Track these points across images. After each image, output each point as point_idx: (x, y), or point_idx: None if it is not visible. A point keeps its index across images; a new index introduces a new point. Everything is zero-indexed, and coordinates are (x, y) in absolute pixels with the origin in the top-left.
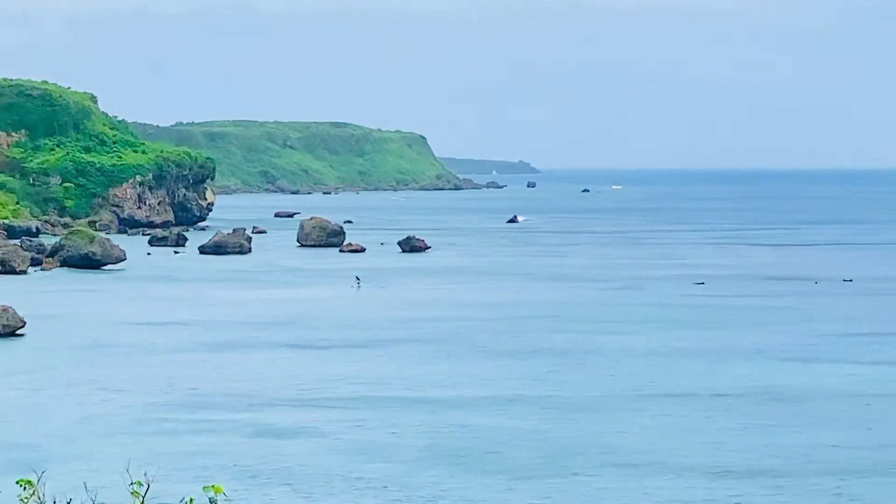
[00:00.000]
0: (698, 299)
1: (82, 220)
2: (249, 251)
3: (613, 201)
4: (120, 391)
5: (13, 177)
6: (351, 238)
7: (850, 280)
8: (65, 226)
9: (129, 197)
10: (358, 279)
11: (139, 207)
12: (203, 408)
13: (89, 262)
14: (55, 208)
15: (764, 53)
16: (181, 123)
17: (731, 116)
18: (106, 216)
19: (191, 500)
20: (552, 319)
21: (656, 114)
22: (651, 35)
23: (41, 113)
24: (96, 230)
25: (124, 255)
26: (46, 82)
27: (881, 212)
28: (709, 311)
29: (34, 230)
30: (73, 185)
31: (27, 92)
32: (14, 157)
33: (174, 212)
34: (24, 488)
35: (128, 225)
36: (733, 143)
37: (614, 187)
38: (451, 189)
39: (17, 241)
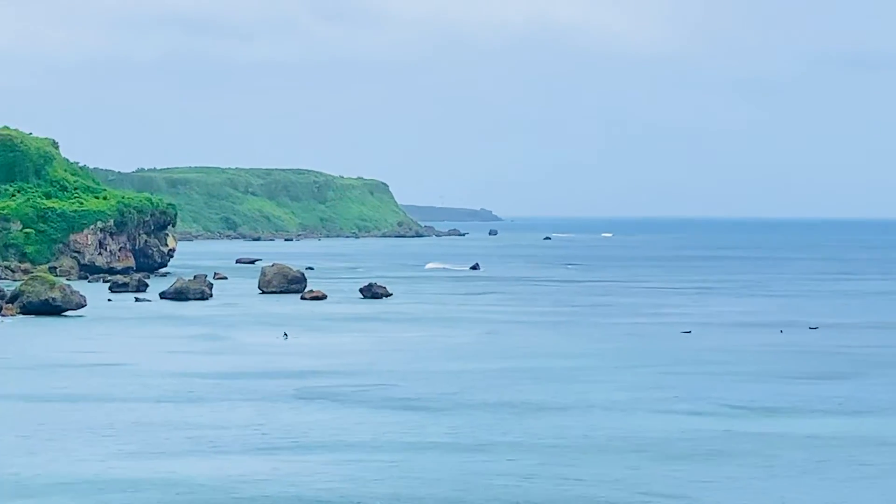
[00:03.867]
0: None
1: (43, 266)
2: (210, 297)
3: (576, 249)
4: (76, 440)
5: None
6: (312, 285)
7: (816, 328)
8: (25, 272)
9: (89, 243)
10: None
11: (100, 253)
12: (157, 457)
13: (49, 309)
14: (15, 254)
15: (720, 101)
16: (143, 169)
17: (689, 164)
18: (67, 262)
19: None
20: (520, 370)
21: (617, 160)
22: (613, 81)
23: (1, 159)
24: (57, 276)
25: (85, 301)
26: (7, 128)
27: (846, 262)
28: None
29: None
30: (33, 231)
31: None
32: None
33: (135, 258)
34: None
35: (89, 271)
36: (695, 190)
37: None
38: (412, 236)
39: None
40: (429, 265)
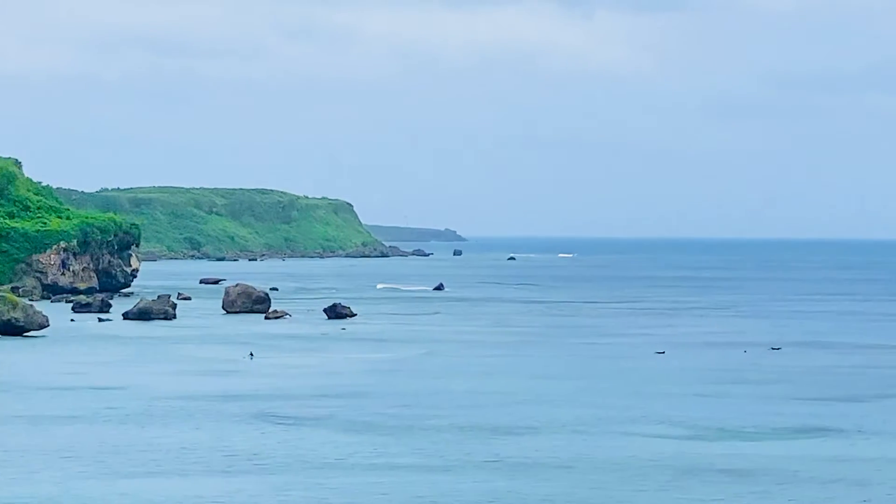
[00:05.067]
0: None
1: (5, 287)
2: (174, 317)
3: (542, 269)
4: (37, 461)
5: None
6: (276, 305)
7: (779, 348)
8: None
9: (52, 263)
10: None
11: (63, 273)
12: (119, 478)
13: (11, 329)
14: None
15: (691, 121)
16: (106, 189)
17: (654, 185)
18: (29, 282)
19: None
20: (489, 390)
21: (582, 181)
22: (580, 102)
23: None
24: (19, 296)
25: (47, 321)
26: None
27: (814, 282)
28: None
29: None
30: None
31: None
32: None
33: (98, 278)
34: None
35: (51, 291)
36: (660, 211)
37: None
38: (377, 256)
39: None
40: (380, 285)
